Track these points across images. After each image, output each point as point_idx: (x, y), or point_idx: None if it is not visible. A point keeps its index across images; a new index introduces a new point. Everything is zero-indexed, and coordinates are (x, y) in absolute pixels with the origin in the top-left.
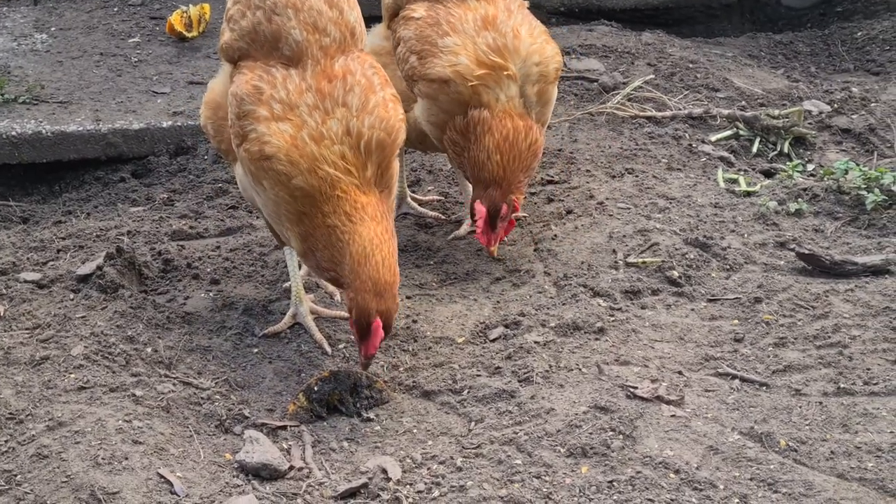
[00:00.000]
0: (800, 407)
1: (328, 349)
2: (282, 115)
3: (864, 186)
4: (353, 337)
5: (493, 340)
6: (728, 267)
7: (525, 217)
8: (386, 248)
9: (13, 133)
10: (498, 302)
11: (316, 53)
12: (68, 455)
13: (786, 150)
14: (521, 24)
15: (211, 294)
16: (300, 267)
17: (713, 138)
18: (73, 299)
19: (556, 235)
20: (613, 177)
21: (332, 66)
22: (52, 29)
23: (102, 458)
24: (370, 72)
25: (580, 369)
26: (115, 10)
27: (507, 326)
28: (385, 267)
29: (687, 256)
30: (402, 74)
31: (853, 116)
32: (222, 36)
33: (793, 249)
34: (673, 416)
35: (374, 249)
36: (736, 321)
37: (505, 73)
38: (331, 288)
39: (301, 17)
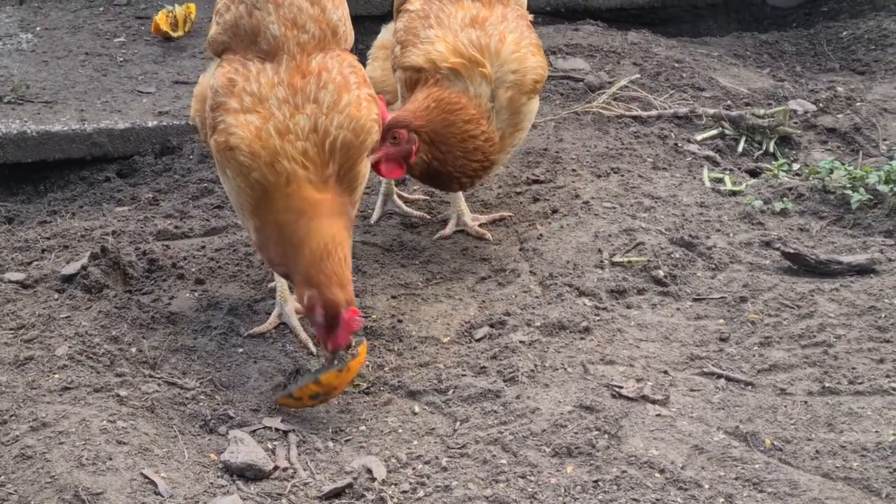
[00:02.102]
0: (785, 406)
1: (313, 349)
2: (251, 108)
3: (849, 186)
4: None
5: (479, 340)
6: (713, 266)
7: (510, 216)
8: (346, 246)
9: None
10: (483, 301)
11: (293, 49)
12: (52, 455)
13: (771, 149)
14: (511, 31)
15: (196, 294)
16: None
17: (699, 137)
18: (57, 299)
19: (541, 235)
20: (599, 176)
21: (307, 63)
22: (38, 28)
23: (86, 459)
24: (347, 70)
25: (565, 369)
26: (101, 9)
27: (492, 326)
28: (346, 265)
29: (672, 256)
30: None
31: (838, 116)
32: (210, 28)
33: (778, 249)
34: (658, 415)
35: (337, 246)
36: (721, 320)
37: (479, 68)
38: None
39: (281, 12)
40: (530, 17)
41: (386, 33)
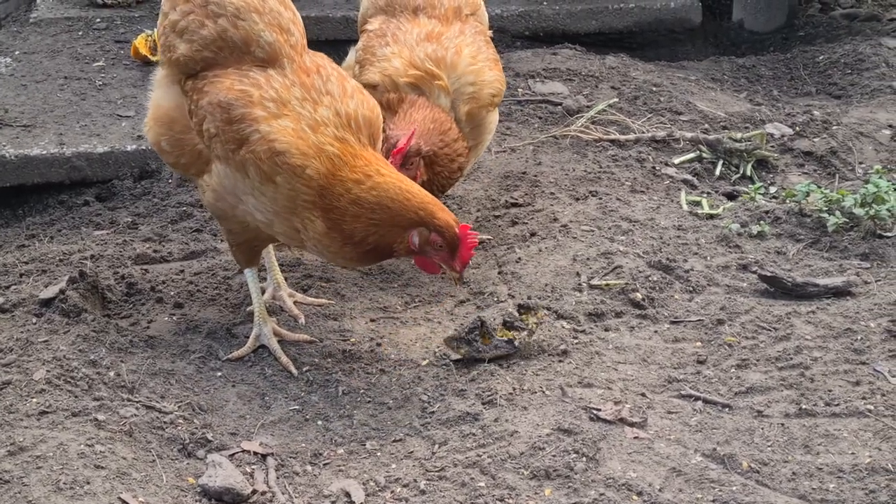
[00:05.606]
0: (762, 428)
1: (294, 371)
2: (278, 113)
3: (825, 209)
4: (439, 264)
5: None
6: (691, 289)
7: (489, 239)
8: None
9: None
10: (462, 325)
11: (288, 52)
12: (30, 480)
13: (748, 172)
14: (468, 45)
15: (174, 318)
16: (263, 292)
17: (676, 161)
18: (35, 323)
19: (520, 258)
20: (577, 199)
21: (304, 62)
22: (16, 52)
23: (64, 483)
24: (334, 65)
25: (544, 391)
26: (80, 34)
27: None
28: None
29: (650, 279)
30: None
31: (815, 139)
32: (173, 50)
33: (755, 271)
34: (636, 437)
35: (411, 183)
36: (699, 343)
37: (436, 81)
38: (296, 311)
39: (266, 19)
40: (490, 33)
41: (352, 55)
